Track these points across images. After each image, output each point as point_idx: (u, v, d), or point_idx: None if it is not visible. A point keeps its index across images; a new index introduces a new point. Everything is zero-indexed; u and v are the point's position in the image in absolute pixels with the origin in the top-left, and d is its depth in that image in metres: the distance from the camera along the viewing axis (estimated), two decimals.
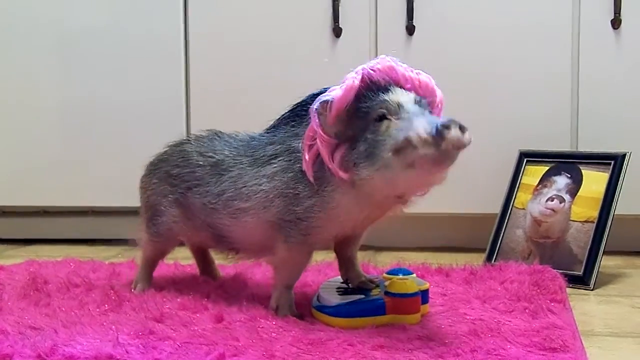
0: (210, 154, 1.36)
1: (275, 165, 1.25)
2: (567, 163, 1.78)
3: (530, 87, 1.95)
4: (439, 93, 1.21)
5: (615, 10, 1.89)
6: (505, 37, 1.96)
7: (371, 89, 1.16)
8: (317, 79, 2.01)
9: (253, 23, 2.07)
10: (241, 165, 1.30)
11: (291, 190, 1.22)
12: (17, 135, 2.19)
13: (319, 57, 2.03)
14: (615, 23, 1.90)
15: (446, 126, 1.03)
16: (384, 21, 2.00)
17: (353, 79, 1.16)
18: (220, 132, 1.41)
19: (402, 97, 1.14)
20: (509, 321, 1.20)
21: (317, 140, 1.17)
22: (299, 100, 1.29)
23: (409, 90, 1.17)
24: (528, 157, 1.86)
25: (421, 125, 1.06)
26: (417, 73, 1.19)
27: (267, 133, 1.32)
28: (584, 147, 1.91)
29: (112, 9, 2.13)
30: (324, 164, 1.17)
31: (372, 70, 1.17)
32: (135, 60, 2.12)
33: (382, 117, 1.13)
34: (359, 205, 1.18)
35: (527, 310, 1.26)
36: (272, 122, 1.33)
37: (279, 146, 1.26)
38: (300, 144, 1.22)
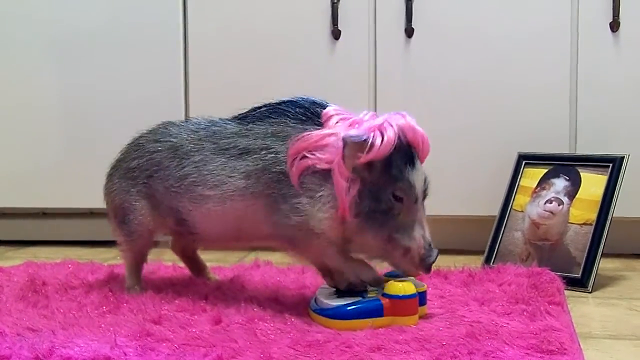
0: (167, 139, 1.38)
1: (249, 163, 1.27)
2: (566, 165, 1.78)
3: (529, 90, 1.95)
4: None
5: (614, 13, 1.89)
6: (504, 39, 1.96)
7: (398, 153, 1.19)
8: (316, 80, 2.04)
9: (252, 24, 2.07)
10: (205, 152, 1.32)
11: (274, 192, 1.24)
12: (16, 137, 2.19)
13: (317, 59, 2.04)
14: (614, 26, 1.90)
15: (432, 262, 1.21)
16: (383, 24, 2.01)
17: (393, 134, 1.18)
18: (172, 121, 1.44)
19: (419, 181, 1.21)
20: (507, 323, 1.20)
21: (335, 170, 1.19)
22: (285, 99, 1.31)
23: (418, 150, 1.23)
24: (527, 159, 1.86)
25: (419, 240, 1.20)
26: (423, 133, 1.24)
27: (237, 122, 1.34)
28: (582, 150, 1.91)
29: (110, 7, 2.13)
30: (311, 175, 1.21)
31: (402, 130, 1.21)
32: (134, 61, 2.13)
33: (400, 199, 1.20)
34: (339, 232, 1.23)
35: (525, 313, 1.26)
36: (242, 112, 1.35)
37: (253, 141, 1.29)
38: (281, 147, 1.25)
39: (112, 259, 1.92)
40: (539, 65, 1.95)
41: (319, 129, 1.23)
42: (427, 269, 1.21)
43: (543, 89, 1.95)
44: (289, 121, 1.28)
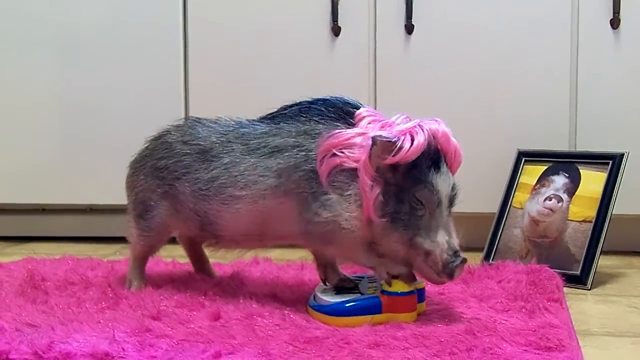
0: (196, 141, 1.37)
1: (280, 161, 1.27)
2: (565, 163, 1.78)
3: (529, 86, 1.95)
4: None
5: (614, 10, 1.89)
6: (504, 36, 1.96)
7: (425, 157, 1.19)
8: (316, 77, 2.04)
9: (251, 21, 2.07)
10: (233, 153, 1.32)
11: (305, 191, 1.24)
12: (15, 133, 2.19)
13: (317, 56, 2.04)
14: (614, 23, 1.90)
15: (456, 267, 1.18)
16: (383, 20, 2.01)
17: (423, 139, 1.18)
18: (198, 118, 1.43)
19: (443, 186, 1.21)
20: (506, 320, 1.20)
21: (361, 169, 1.18)
22: (311, 98, 1.31)
23: (448, 158, 1.24)
24: (526, 156, 1.86)
25: (442, 244, 1.19)
26: (457, 144, 1.25)
27: (266, 123, 1.34)
28: (582, 147, 1.91)
29: (111, 6, 2.13)
30: (341, 173, 1.21)
31: (434, 135, 1.21)
32: (134, 58, 2.12)
33: (421, 202, 1.19)
34: (367, 232, 1.22)
35: (523, 310, 1.26)
36: (270, 112, 1.35)
37: (285, 140, 1.28)
38: (312, 144, 1.24)
39: (112, 255, 1.92)
40: (539, 62, 1.94)
41: (350, 128, 1.23)
42: (449, 275, 1.18)
43: (543, 85, 1.95)
44: (321, 119, 1.27)
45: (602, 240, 1.63)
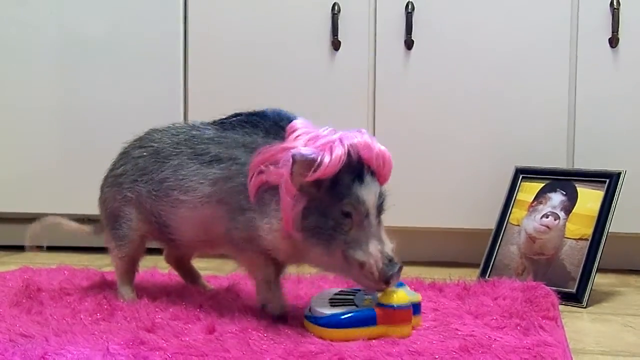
0: (150, 143, 1.41)
1: (216, 172, 1.30)
2: (563, 180, 1.78)
3: (528, 104, 1.96)
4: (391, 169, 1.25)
5: (613, 29, 1.90)
6: (503, 52, 1.97)
7: (348, 170, 1.18)
8: (315, 91, 2.05)
9: (252, 35, 2.08)
10: (182, 156, 1.35)
11: (234, 202, 1.26)
12: (12, 142, 2.19)
13: (317, 70, 2.04)
14: (613, 41, 1.90)
15: (392, 275, 1.17)
16: (382, 35, 2.01)
17: (342, 152, 1.17)
18: (157, 127, 1.46)
19: (369, 197, 1.19)
20: (500, 337, 1.20)
21: (282, 186, 1.18)
22: (258, 110, 1.33)
23: (375, 167, 1.21)
24: (524, 173, 1.86)
25: (376, 254, 1.17)
26: (383, 151, 1.22)
27: (214, 127, 1.37)
28: (579, 165, 1.91)
29: (112, 16, 2.14)
30: (267, 190, 1.22)
31: (355, 147, 1.19)
32: (134, 69, 2.13)
33: (348, 215, 1.18)
34: (289, 245, 1.23)
35: (518, 327, 1.26)
36: (223, 117, 1.37)
37: (224, 150, 1.31)
38: (247, 158, 1.26)
39: (108, 265, 1.92)
40: (537, 79, 1.95)
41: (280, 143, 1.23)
42: (386, 282, 1.18)
43: (542, 103, 1.95)
44: (260, 133, 1.30)
45: (598, 258, 1.63)
